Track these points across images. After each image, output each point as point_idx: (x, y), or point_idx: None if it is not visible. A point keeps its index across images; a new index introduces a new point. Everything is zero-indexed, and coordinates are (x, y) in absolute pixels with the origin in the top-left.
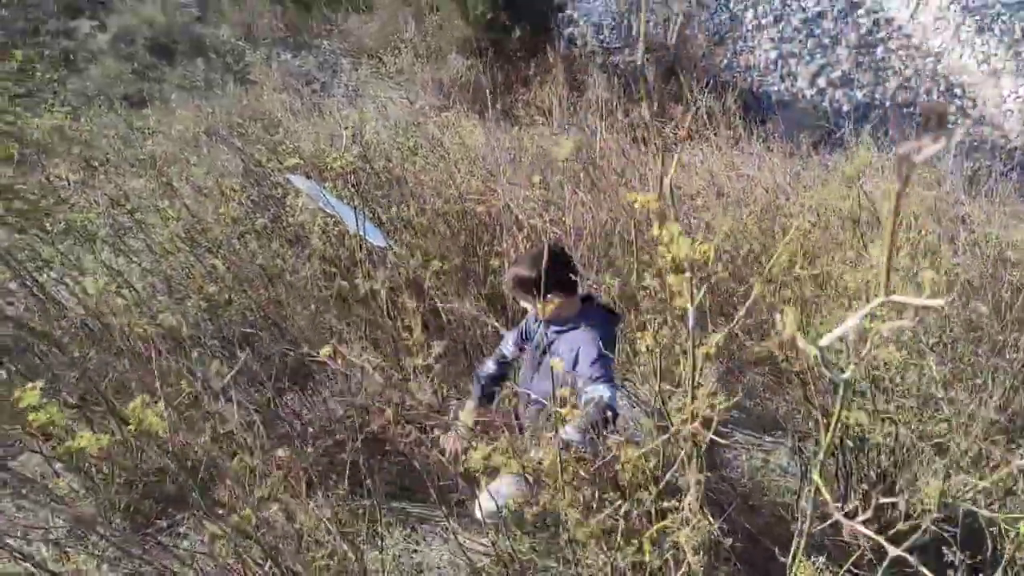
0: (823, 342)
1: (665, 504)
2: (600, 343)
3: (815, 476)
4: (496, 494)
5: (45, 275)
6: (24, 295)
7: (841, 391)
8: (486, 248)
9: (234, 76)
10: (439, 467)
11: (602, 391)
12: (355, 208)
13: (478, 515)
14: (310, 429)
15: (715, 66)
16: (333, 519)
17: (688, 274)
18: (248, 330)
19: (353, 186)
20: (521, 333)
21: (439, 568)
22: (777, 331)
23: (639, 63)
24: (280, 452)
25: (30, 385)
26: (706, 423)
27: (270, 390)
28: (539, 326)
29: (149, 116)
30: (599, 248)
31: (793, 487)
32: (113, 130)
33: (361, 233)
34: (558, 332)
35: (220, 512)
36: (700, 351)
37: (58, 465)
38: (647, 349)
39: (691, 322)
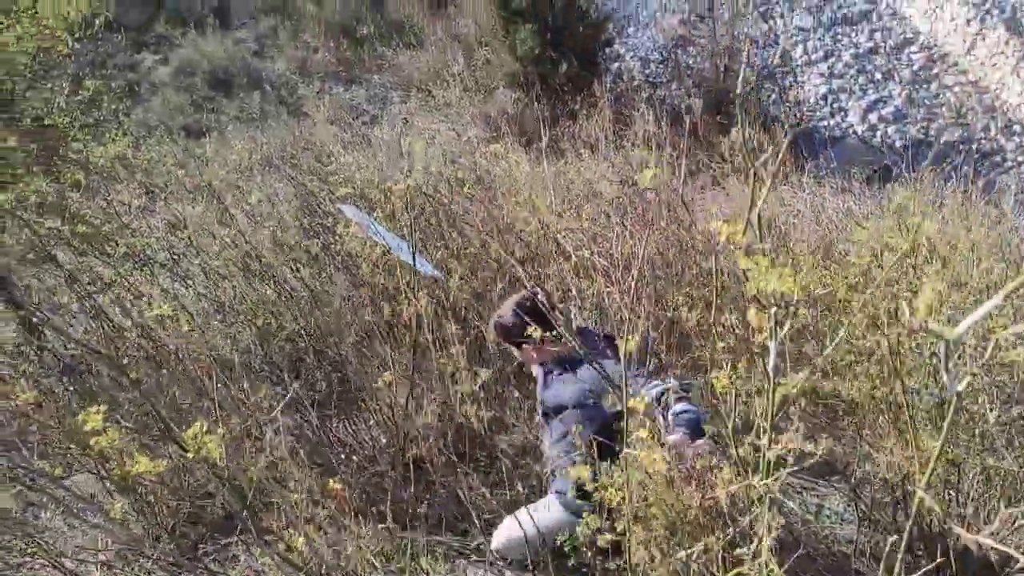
0: (958, 330)
1: (737, 550)
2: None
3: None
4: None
5: (105, 297)
6: (85, 317)
7: (951, 406)
8: (533, 279)
9: (288, 108)
10: (483, 500)
11: (661, 384)
12: (404, 237)
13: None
14: (354, 458)
15: (763, 101)
16: (379, 553)
17: (774, 309)
18: (297, 356)
19: (405, 213)
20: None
21: None
22: (902, 319)
23: (687, 96)
24: (333, 484)
25: (93, 409)
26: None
27: (314, 418)
28: (540, 380)
29: (206, 145)
30: (647, 282)
31: (849, 535)
32: (172, 158)
33: (411, 262)
34: (560, 375)
35: (269, 540)
36: (780, 391)
37: (110, 486)
38: (721, 391)
39: (772, 360)
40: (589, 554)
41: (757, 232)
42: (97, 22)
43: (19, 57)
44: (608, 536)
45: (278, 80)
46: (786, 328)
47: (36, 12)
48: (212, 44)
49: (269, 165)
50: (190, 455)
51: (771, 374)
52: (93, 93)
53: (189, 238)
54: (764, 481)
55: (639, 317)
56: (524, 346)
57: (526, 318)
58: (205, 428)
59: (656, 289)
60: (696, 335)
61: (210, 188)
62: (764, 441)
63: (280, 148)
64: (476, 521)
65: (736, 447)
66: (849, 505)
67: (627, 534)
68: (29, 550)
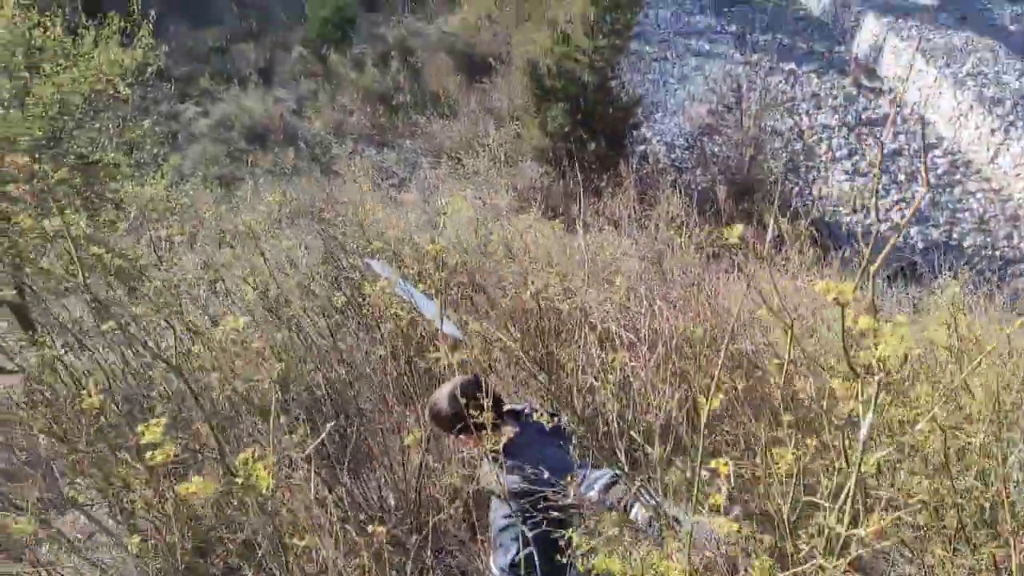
0: None
1: None
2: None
3: None
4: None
5: (136, 329)
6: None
7: None
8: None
9: (320, 166)
10: None
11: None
12: (430, 296)
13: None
14: (360, 517)
15: (786, 193)
16: None
17: (877, 376)
18: (314, 406)
19: (435, 272)
20: None
21: None
22: None
23: (712, 183)
24: (376, 527)
25: (153, 421)
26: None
27: (344, 472)
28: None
29: (239, 195)
30: (673, 359)
31: None
32: (206, 204)
33: (436, 323)
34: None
35: None
36: (866, 465)
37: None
38: (780, 474)
39: (864, 429)
40: None
41: (870, 292)
42: (149, 70)
43: (72, 98)
44: None
45: (313, 139)
46: (879, 398)
47: (92, 58)
48: (253, 100)
49: (299, 218)
50: (239, 480)
51: (861, 445)
52: (136, 137)
53: (216, 280)
54: (836, 563)
55: (663, 394)
56: (461, 436)
57: (459, 407)
58: (255, 455)
59: (680, 368)
60: (727, 415)
61: (243, 233)
62: (834, 520)
63: (310, 203)
64: None
65: (788, 532)
66: None
67: None
68: None
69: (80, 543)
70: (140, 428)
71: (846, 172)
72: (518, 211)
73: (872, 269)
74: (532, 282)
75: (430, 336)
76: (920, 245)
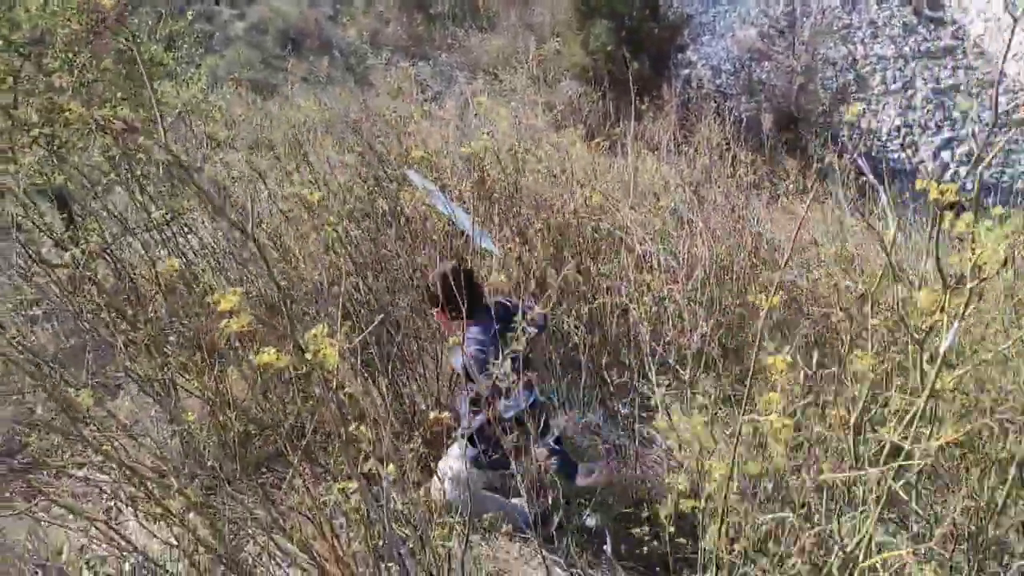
0: None
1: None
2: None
3: None
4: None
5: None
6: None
7: None
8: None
9: (355, 76)
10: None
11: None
12: (467, 210)
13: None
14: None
15: (834, 124)
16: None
17: (968, 284)
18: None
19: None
20: None
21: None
22: None
23: (757, 110)
24: (437, 415)
25: (231, 290)
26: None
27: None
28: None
29: (273, 101)
30: (710, 283)
31: None
32: (241, 108)
33: (474, 236)
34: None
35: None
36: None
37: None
38: (856, 376)
39: (951, 337)
40: None
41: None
42: None
43: None
44: None
45: (348, 47)
46: (970, 309)
47: None
48: (288, 3)
49: (334, 127)
50: (308, 356)
51: (943, 352)
52: (177, 30)
53: (262, 177)
54: (888, 466)
55: (699, 317)
56: (436, 312)
57: (439, 288)
58: (325, 331)
59: (716, 294)
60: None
61: (284, 138)
62: (897, 432)
63: (344, 113)
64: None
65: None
66: None
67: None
68: (85, 453)
69: (129, 426)
70: (216, 296)
71: (899, 106)
72: (556, 131)
73: (979, 169)
74: (570, 199)
75: (467, 248)
76: (968, 186)
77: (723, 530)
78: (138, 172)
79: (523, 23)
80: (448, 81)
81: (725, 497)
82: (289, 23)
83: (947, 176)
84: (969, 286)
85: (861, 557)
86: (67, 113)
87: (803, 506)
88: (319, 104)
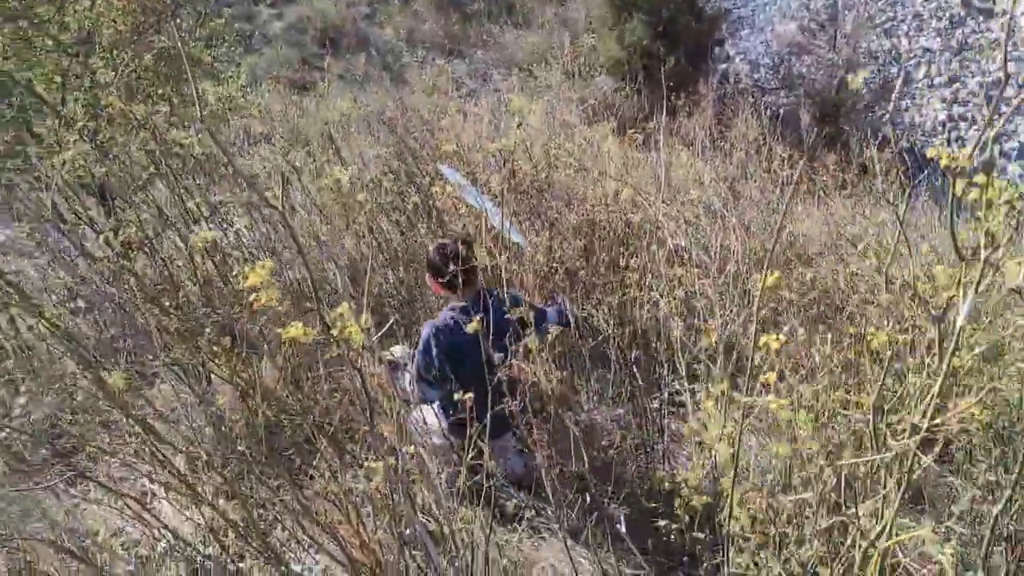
0: None
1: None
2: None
3: None
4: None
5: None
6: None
7: None
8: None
9: (391, 74)
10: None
11: None
12: (498, 204)
13: None
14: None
15: (876, 119)
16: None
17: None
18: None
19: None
20: None
21: (542, 567)
22: None
23: (797, 106)
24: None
25: (259, 263)
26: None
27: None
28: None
29: (310, 99)
30: (742, 279)
31: None
32: (279, 105)
33: (503, 229)
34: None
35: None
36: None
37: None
38: (874, 353)
39: (967, 308)
40: None
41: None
42: None
43: None
44: None
45: (384, 46)
46: (985, 283)
47: None
48: (326, 2)
49: (369, 124)
50: (334, 332)
51: (962, 322)
52: (216, 28)
53: (296, 171)
54: (906, 440)
55: (730, 312)
56: (428, 279)
57: (438, 259)
58: (351, 310)
59: (748, 290)
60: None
61: (318, 134)
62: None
63: (380, 110)
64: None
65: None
66: None
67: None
68: (124, 437)
69: (165, 413)
70: (245, 270)
71: (943, 100)
72: (590, 126)
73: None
74: (601, 193)
75: (495, 241)
76: (1018, 181)
77: (731, 511)
78: (175, 165)
79: (558, 19)
80: (483, 78)
81: (733, 477)
82: (327, 22)
83: (995, 173)
84: (984, 255)
85: (881, 540)
86: (109, 108)
87: (824, 489)
88: (355, 101)
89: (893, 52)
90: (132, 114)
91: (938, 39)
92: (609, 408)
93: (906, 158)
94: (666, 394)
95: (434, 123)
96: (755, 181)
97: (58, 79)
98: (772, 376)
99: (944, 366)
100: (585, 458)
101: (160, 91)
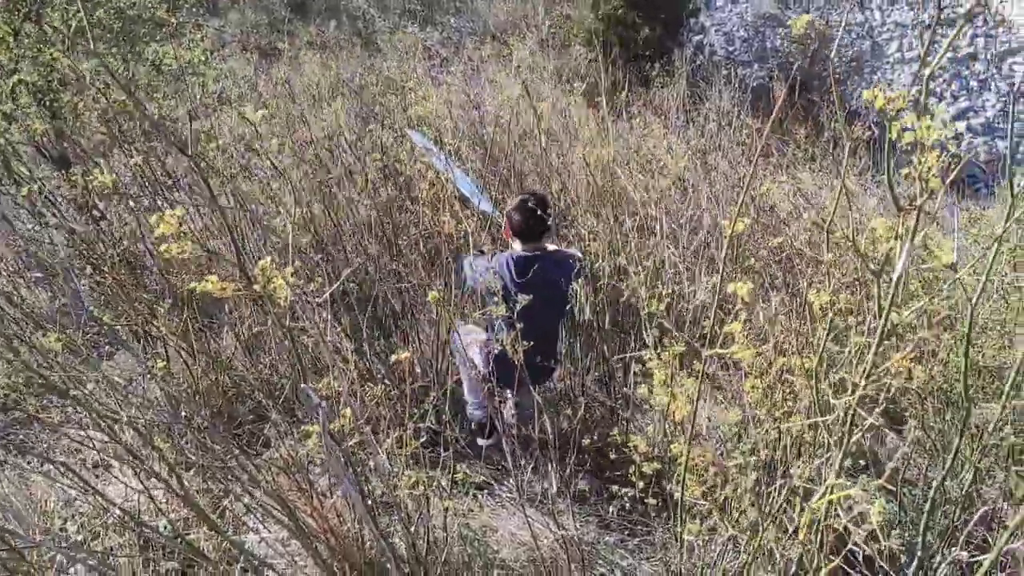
0: None
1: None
2: None
3: None
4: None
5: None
6: None
7: None
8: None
9: (362, 40)
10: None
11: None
12: (467, 171)
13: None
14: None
15: (847, 93)
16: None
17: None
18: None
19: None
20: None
21: (501, 534)
22: None
23: (769, 78)
24: (400, 354)
25: (168, 212)
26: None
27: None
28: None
29: (278, 66)
30: (710, 249)
31: None
32: (242, 73)
33: (470, 196)
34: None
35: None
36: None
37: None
38: (820, 310)
39: (901, 261)
40: None
41: None
42: None
43: None
44: None
45: (355, 11)
46: (918, 238)
47: None
48: None
49: (339, 91)
50: (256, 287)
51: (898, 273)
52: None
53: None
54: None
55: (698, 281)
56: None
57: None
58: (273, 264)
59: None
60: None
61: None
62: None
63: (351, 77)
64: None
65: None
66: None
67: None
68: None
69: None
70: (154, 218)
71: (913, 75)
72: (562, 97)
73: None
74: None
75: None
76: (982, 156)
77: (684, 478)
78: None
79: None
80: (456, 46)
81: (688, 442)
82: None
83: (963, 147)
84: (919, 202)
85: (815, 500)
86: (59, 67)
87: (768, 452)
88: (325, 67)
89: (866, 26)
90: (78, 72)
91: (911, 13)
92: (577, 376)
93: (875, 132)
94: (633, 363)
95: (404, 90)
96: (726, 153)
97: (10, 39)
98: (736, 326)
99: (883, 322)
100: (548, 426)
101: (116, 51)
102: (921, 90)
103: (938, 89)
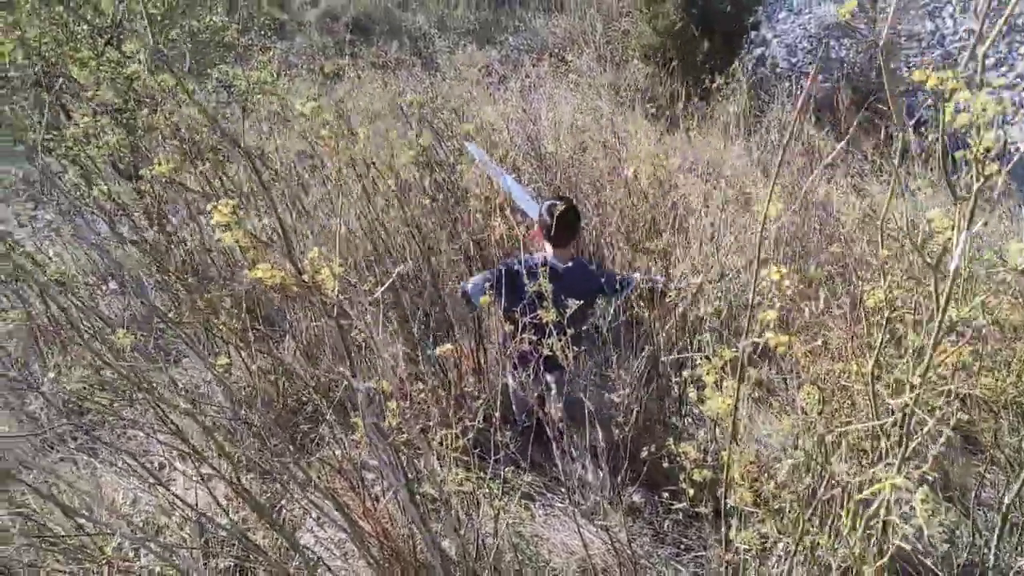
0: None
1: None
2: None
3: None
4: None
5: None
6: None
7: None
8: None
9: (422, 60)
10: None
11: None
12: (522, 183)
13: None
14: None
15: (917, 103)
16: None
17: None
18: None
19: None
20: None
21: (552, 543)
22: None
23: (834, 90)
24: (447, 347)
25: (223, 201)
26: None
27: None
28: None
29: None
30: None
31: None
32: (306, 92)
33: (522, 204)
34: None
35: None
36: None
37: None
38: (873, 308)
39: (958, 251)
40: None
41: None
42: None
43: None
44: None
45: (416, 32)
46: (979, 225)
47: None
48: None
49: (400, 109)
50: (305, 277)
51: (955, 264)
52: (247, 18)
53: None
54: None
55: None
56: (536, 226)
57: (546, 216)
58: (324, 255)
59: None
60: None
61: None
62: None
63: (412, 95)
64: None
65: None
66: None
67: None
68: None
69: (189, 391)
70: (209, 206)
71: (963, 79)
72: (619, 112)
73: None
74: (630, 175)
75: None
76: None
77: (727, 484)
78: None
79: (590, 3)
80: (514, 64)
81: (728, 449)
82: (359, 9)
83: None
84: (975, 187)
85: (867, 491)
86: (139, 88)
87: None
88: (386, 87)
89: (937, 34)
90: (160, 87)
91: (985, 20)
92: (632, 385)
93: (947, 143)
94: (687, 371)
95: (463, 108)
96: (789, 164)
97: (92, 63)
98: (771, 314)
99: (940, 316)
100: (600, 435)
101: (188, 72)
102: (977, 68)
103: (1017, 97)
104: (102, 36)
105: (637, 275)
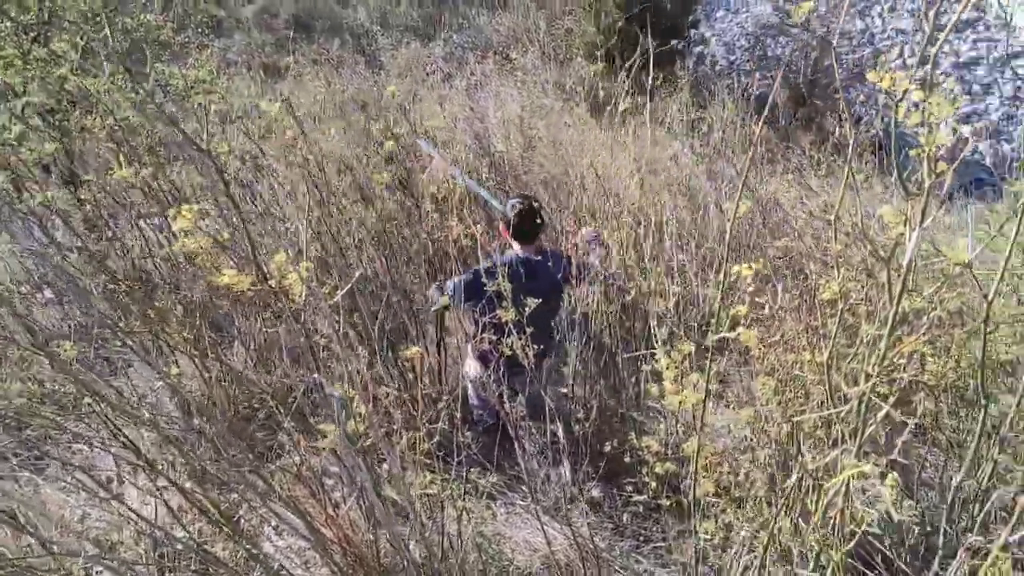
0: None
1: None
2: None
3: None
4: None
5: None
6: None
7: None
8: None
9: (365, 58)
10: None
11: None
12: (478, 180)
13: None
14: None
15: (851, 100)
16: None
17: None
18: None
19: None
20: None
21: (515, 541)
22: None
23: (770, 86)
24: (412, 349)
25: (184, 207)
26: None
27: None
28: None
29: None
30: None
31: None
32: (246, 91)
33: (488, 198)
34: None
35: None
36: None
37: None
38: (828, 301)
39: (911, 247)
40: None
41: None
42: None
43: None
44: None
45: (358, 29)
46: (929, 220)
47: None
48: None
49: (343, 107)
50: (271, 283)
51: (908, 258)
52: (183, 15)
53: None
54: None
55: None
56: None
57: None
58: (289, 259)
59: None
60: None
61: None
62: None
63: (354, 94)
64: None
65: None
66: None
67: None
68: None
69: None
70: (172, 212)
71: (916, 81)
72: (565, 109)
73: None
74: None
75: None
76: (988, 160)
77: (695, 476)
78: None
79: (534, 1)
80: (459, 62)
81: (700, 429)
82: (299, 6)
83: (968, 151)
84: (927, 184)
85: (833, 481)
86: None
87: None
88: (329, 85)
89: (867, 33)
90: (87, 91)
91: (911, 20)
92: (588, 381)
93: (880, 137)
94: (645, 366)
95: (408, 105)
96: (730, 160)
97: (19, 62)
98: (742, 309)
99: (894, 308)
100: (560, 431)
101: (122, 72)
102: (928, 71)
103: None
104: (27, 34)
105: (594, 259)
